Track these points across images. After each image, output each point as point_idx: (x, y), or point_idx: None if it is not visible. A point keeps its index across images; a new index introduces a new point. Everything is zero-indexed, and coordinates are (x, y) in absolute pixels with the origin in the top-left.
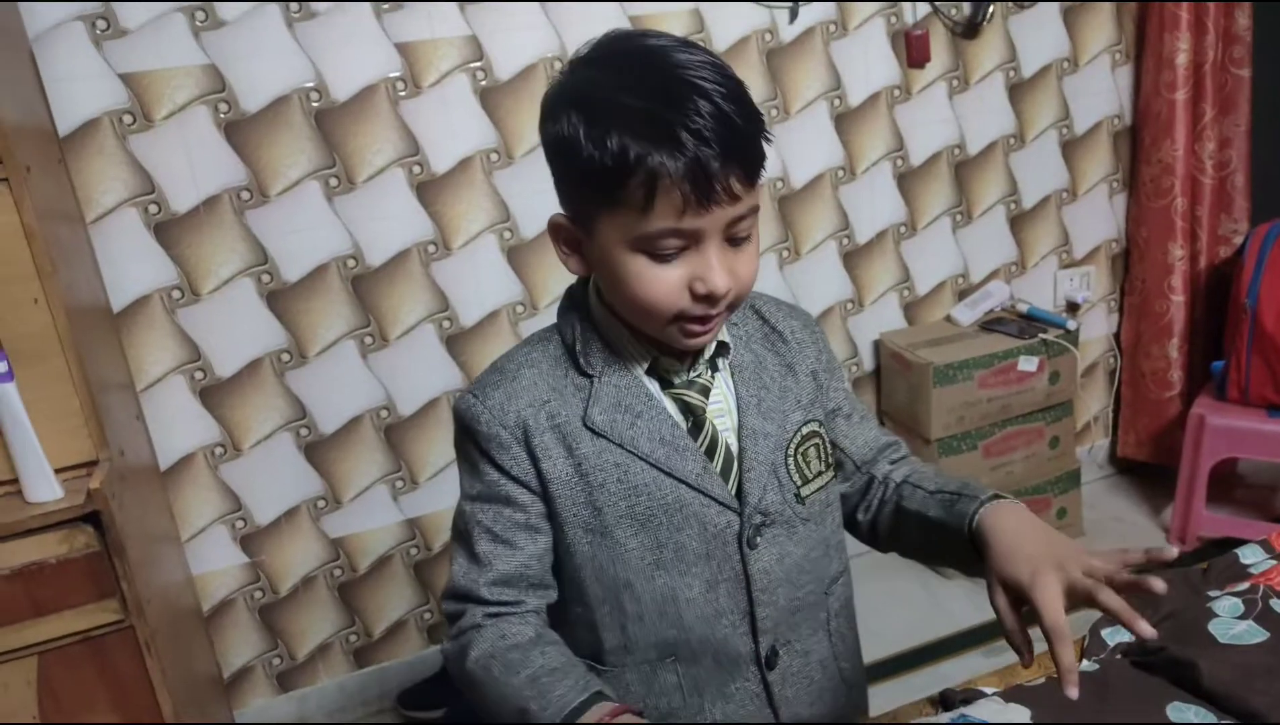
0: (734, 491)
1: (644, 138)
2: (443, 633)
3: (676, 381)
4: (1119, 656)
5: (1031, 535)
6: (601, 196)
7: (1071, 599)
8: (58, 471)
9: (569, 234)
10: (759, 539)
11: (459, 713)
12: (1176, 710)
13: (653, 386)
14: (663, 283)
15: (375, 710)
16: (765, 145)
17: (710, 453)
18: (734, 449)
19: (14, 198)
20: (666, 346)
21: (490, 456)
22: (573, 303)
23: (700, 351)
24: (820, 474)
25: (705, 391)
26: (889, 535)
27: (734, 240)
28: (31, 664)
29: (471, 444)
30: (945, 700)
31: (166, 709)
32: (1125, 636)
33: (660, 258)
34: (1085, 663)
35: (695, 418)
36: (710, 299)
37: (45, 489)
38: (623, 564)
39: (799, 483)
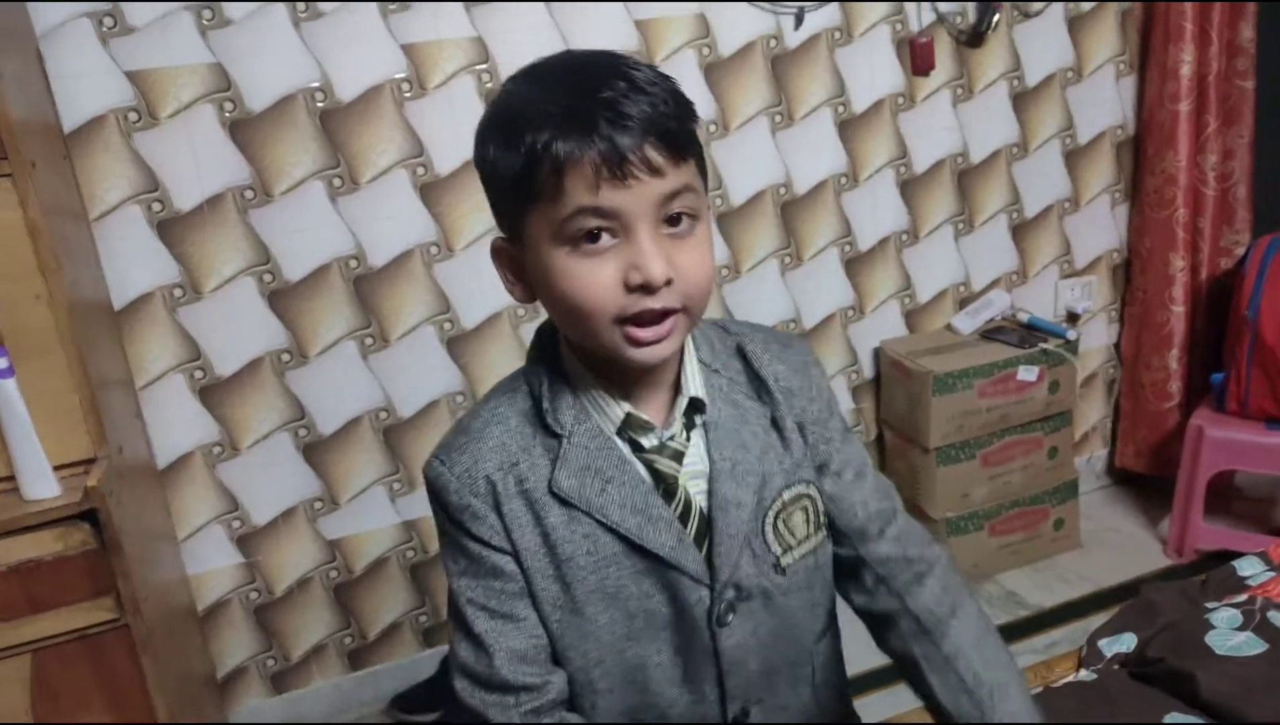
0: (706, 561)
1: (550, 127)
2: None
3: (647, 446)
4: (1117, 667)
5: None
6: (520, 196)
7: None
8: (56, 468)
9: (509, 256)
10: (730, 616)
11: (454, 716)
12: (1174, 720)
13: (624, 448)
14: (594, 278)
15: (370, 713)
16: (692, 126)
17: (684, 518)
18: (708, 515)
19: (19, 194)
20: (640, 393)
21: (466, 529)
22: (541, 349)
23: (674, 406)
24: (808, 538)
25: (678, 456)
26: (893, 655)
27: (672, 222)
28: (26, 662)
29: (445, 515)
30: None
31: (160, 708)
32: (1123, 647)
33: (586, 250)
34: (1083, 673)
35: (666, 484)
36: (646, 288)
37: (43, 486)
38: (594, 642)
39: (779, 552)
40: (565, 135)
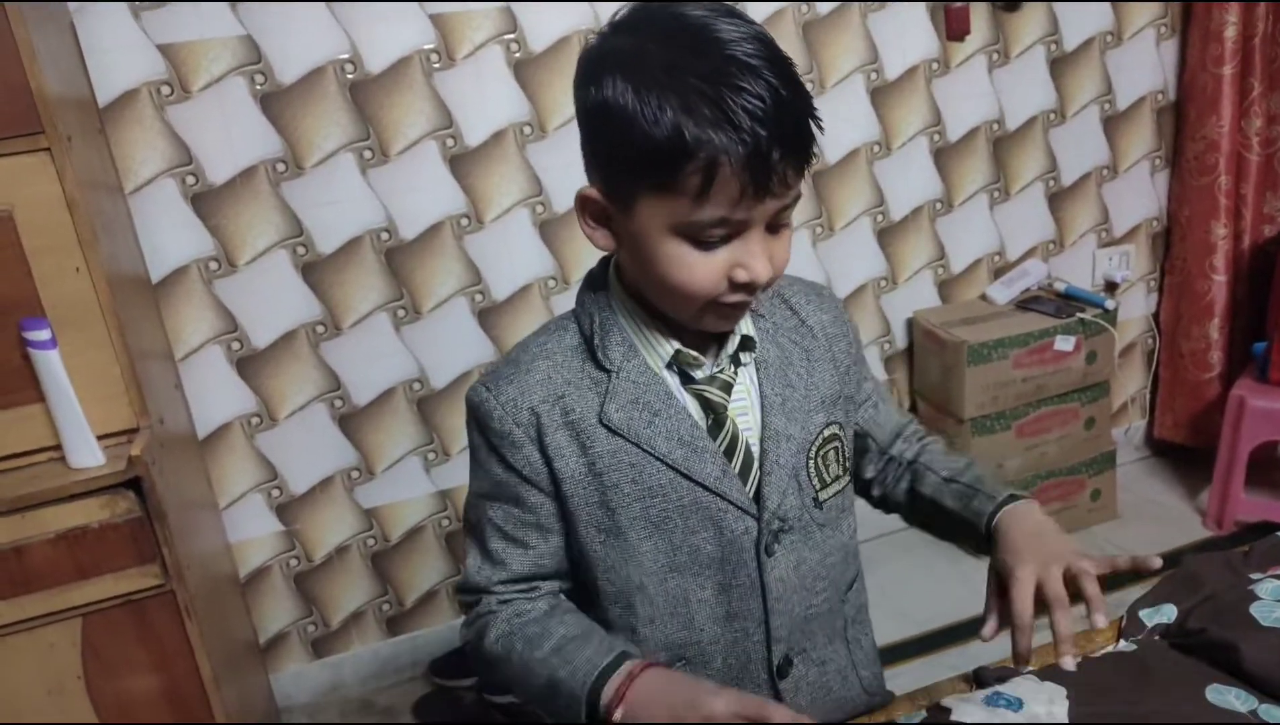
0: (752, 494)
1: (702, 120)
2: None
3: (698, 377)
4: (1157, 638)
5: (1029, 531)
6: (649, 180)
7: (1055, 587)
8: (99, 438)
9: (598, 208)
10: (776, 546)
11: (489, 683)
12: (1216, 692)
13: (673, 382)
14: (702, 269)
15: (408, 678)
16: (816, 130)
17: (729, 452)
18: (754, 450)
19: (56, 167)
20: (689, 336)
21: (501, 454)
22: (593, 288)
23: (724, 344)
24: (838, 478)
25: (728, 387)
26: (900, 510)
27: (774, 227)
28: (76, 625)
29: (482, 439)
30: (980, 678)
31: (206, 672)
32: (1164, 618)
33: (703, 245)
34: (1123, 643)
35: (716, 415)
36: (749, 287)
37: (88, 455)
38: (636, 566)
39: (818, 487)
40: (716, 131)
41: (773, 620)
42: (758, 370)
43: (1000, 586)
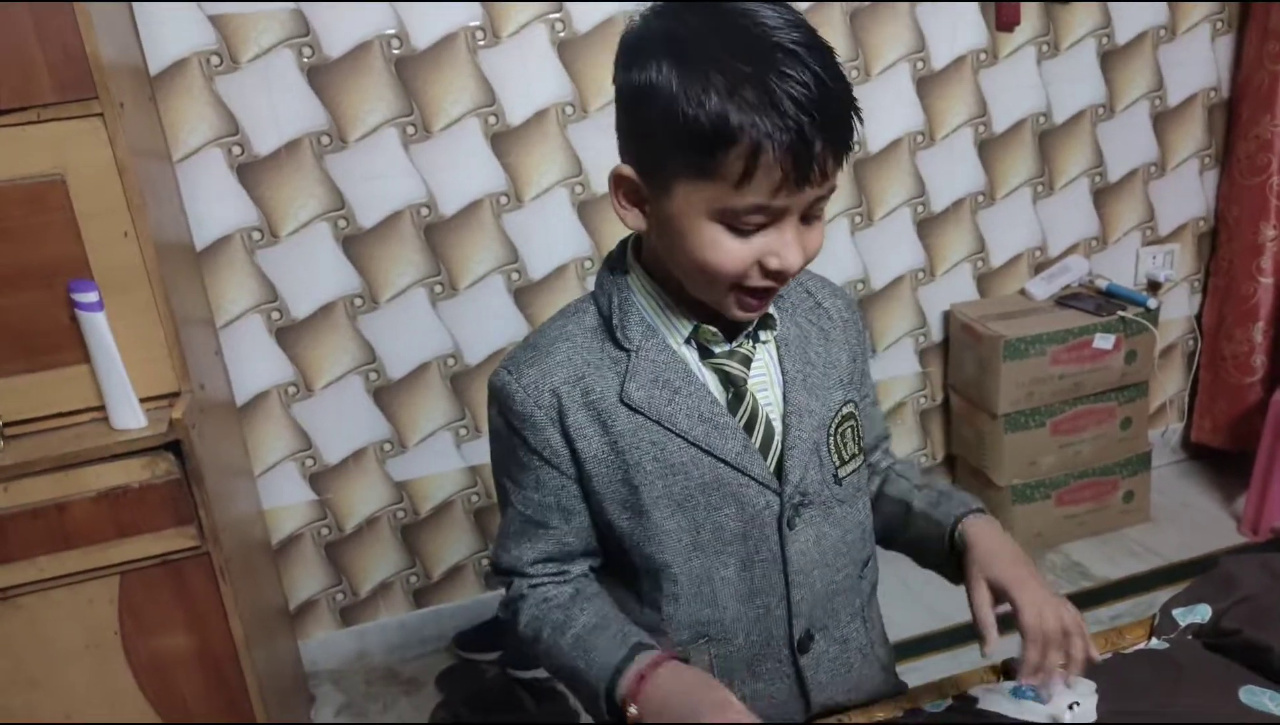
0: (773, 469)
1: (747, 105)
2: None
3: (717, 351)
4: (1190, 638)
5: (1011, 549)
6: (691, 162)
7: (1072, 617)
8: (141, 401)
9: (632, 188)
10: (798, 520)
11: (513, 657)
12: (1250, 694)
13: (692, 358)
14: (735, 255)
15: (432, 650)
16: (856, 122)
17: (749, 427)
18: (775, 425)
19: (109, 133)
20: (710, 313)
21: (523, 436)
22: (612, 270)
23: (743, 322)
24: (855, 456)
25: (746, 361)
26: (883, 519)
27: (807, 218)
28: (114, 582)
29: (504, 422)
30: (1009, 670)
31: (238, 633)
32: (1198, 618)
33: (739, 231)
34: (1154, 642)
35: (735, 389)
36: (780, 276)
37: (130, 417)
38: (659, 545)
39: (837, 463)
40: (761, 117)
41: (794, 594)
42: (777, 347)
43: (992, 593)
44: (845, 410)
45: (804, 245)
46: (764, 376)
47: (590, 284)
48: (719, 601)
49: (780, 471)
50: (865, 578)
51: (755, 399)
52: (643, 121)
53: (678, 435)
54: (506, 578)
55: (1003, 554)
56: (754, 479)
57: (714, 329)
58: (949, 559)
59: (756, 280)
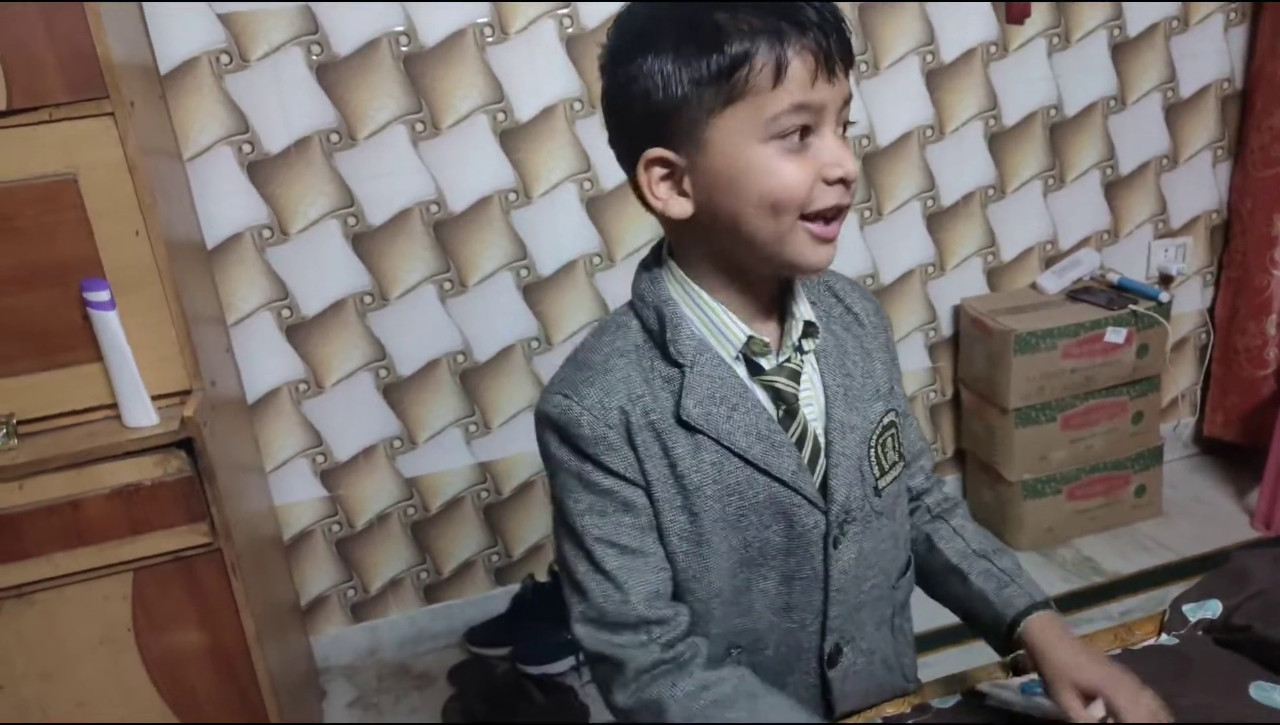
0: (818, 486)
1: (754, 21)
2: (595, 679)
3: (767, 367)
4: (1200, 633)
5: (1087, 650)
6: (722, 92)
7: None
8: (153, 399)
9: (666, 169)
10: (842, 539)
11: (524, 652)
12: (1260, 689)
13: (743, 373)
14: (795, 175)
15: (443, 645)
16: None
17: (799, 444)
18: (821, 441)
19: (119, 132)
20: (757, 320)
21: (599, 461)
22: (652, 281)
23: (789, 329)
24: (895, 465)
25: (795, 376)
26: (929, 563)
27: (844, 127)
28: (127, 579)
29: (571, 450)
30: (1018, 666)
31: (250, 629)
32: (1208, 613)
33: (793, 146)
34: (1165, 637)
35: (787, 406)
36: (844, 183)
37: (142, 414)
38: (715, 572)
39: (877, 475)
40: (779, 27)
41: (830, 610)
42: (817, 359)
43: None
44: (886, 420)
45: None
46: (810, 390)
47: (599, 281)
48: (755, 612)
49: (825, 489)
50: (899, 588)
51: (804, 415)
52: (658, 93)
53: (736, 454)
54: (613, 634)
55: (1082, 654)
56: (806, 498)
57: (765, 340)
58: (1002, 645)
59: (823, 199)
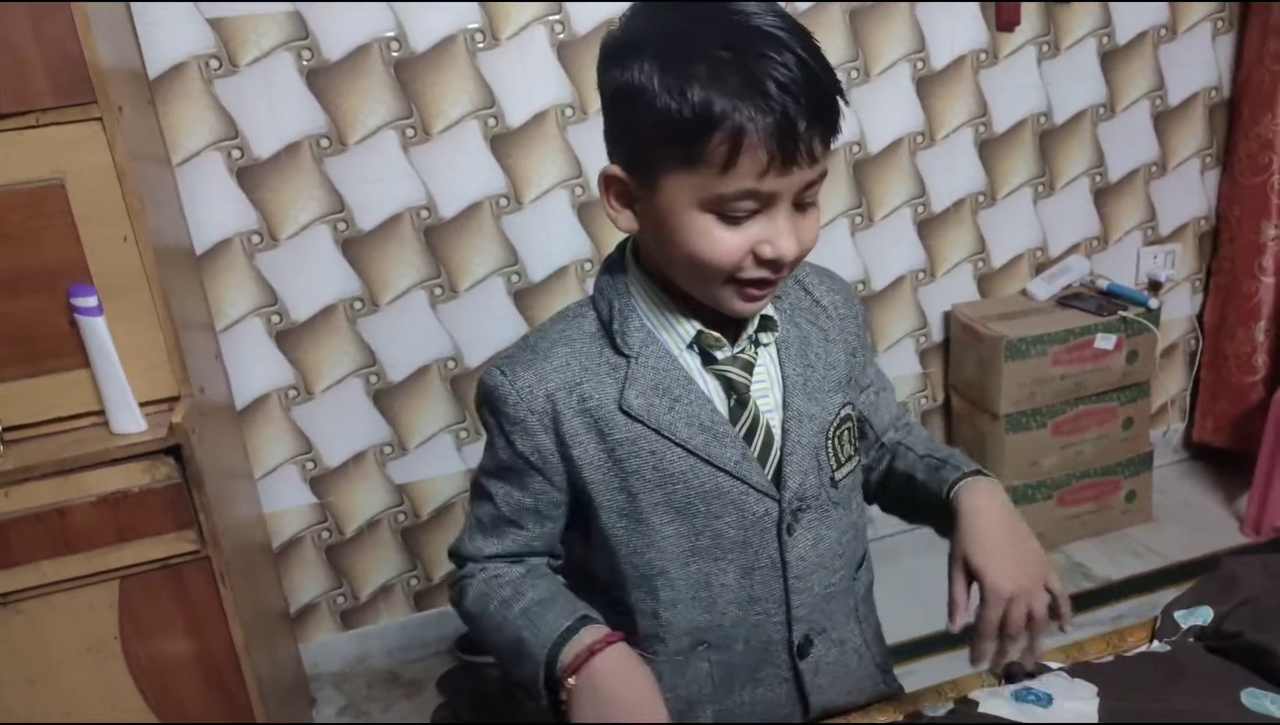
0: (771, 476)
1: (729, 91)
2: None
3: (720, 357)
4: (1192, 640)
5: (1001, 527)
6: (676, 153)
7: (1040, 610)
8: (141, 405)
9: (622, 188)
10: (796, 525)
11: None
12: (1251, 696)
13: (693, 365)
14: (727, 244)
15: (434, 652)
16: (842, 104)
17: (749, 435)
18: (775, 430)
19: (107, 137)
20: (711, 317)
21: (510, 438)
22: (611, 273)
23: (745, 324)
24: (851, 458)
25: (749, 367)
26: (877, 489)
27: (801, 205)
28: (114, 587)
29: (494, 421)
30: (1010, 673)
31: (238, 637)
32: (1199, 620)
33: (730, 219)
34: (1156, 644)
35: (738, 397)
36: (775, 265)
37: (130, 421)
38: (657, 551)
39: (834, 466)
40: (742, 101)
41: (793, 599)
42: (778, 350)
43: (967, 577)
44: (844, 412)
45: (798, 234)
46: (764, 381)
47: (591, 287)
48: (718, 607)
49: (779, 477)
50: (860, 579)
51: (756, 405)
52: (627, 118)
53: (677, 444)
54: (461, 564)
55: (985, 535)
56: (753, 487)
57: (716, 334)
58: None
59: (752, 271)
